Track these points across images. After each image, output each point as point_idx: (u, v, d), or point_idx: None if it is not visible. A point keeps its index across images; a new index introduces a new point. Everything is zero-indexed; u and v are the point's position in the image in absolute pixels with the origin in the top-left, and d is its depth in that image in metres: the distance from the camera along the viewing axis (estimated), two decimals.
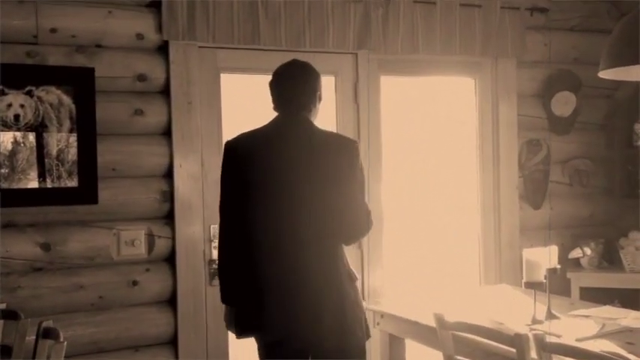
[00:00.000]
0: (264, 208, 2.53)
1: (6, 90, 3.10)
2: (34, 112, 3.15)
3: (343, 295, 2.55)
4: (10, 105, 3.11)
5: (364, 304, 2.73)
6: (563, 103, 4.25)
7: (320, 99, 2.70)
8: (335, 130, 3.77)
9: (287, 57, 3.59)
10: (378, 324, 3.26)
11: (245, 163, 2.57)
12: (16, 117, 3.12)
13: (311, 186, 2.51)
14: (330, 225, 2.53)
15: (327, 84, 3.79)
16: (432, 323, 2.60)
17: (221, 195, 2.63)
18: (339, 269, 2.59)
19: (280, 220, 2.53)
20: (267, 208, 2.53)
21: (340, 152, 2.55)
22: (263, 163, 2.55)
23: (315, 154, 2.53)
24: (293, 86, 2.63)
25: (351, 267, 2.70)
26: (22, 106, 3.13)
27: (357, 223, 2.58)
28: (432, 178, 4.13)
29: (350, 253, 3.75)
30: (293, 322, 2.51)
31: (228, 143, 2.65)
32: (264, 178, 2.54)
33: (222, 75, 3.55)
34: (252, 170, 2.56)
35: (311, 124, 2.62)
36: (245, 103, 3.63)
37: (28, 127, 3.14)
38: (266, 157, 2.55)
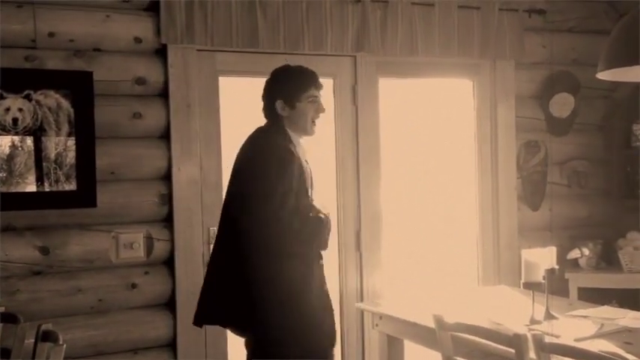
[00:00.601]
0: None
1: (4, 94, 3.11)
2: (33, 116, 3.16)
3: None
4: (8, 109, 3.12)
5: (362, 305, 2.79)
6: (562, 105, 4.26)
7: (291, 105, 2.74)
8: (334, 133, 3.78)
9: (285, 60, 3.63)
10: (376, 325, 3.26)
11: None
12: (15, 121, 3.12)
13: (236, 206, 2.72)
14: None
15: (326, 86, 3.78)
16: (431, 324, 2.60)
17: None
18: None
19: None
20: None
21: (253, 166, 2.71)
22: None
23: (240, 171, 2.77)
24: (263, 94, 2.83)
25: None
26: (20, 110, 3.13)
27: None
28: (431, 179, 4.13)
29: (349, 254, 3.78)
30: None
31: None
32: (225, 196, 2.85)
33: (220, 78, 3.56)
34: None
35: (263, 131, 2.79)
36: (244, 106, 3.63)
37: (27, 131, 3.15)
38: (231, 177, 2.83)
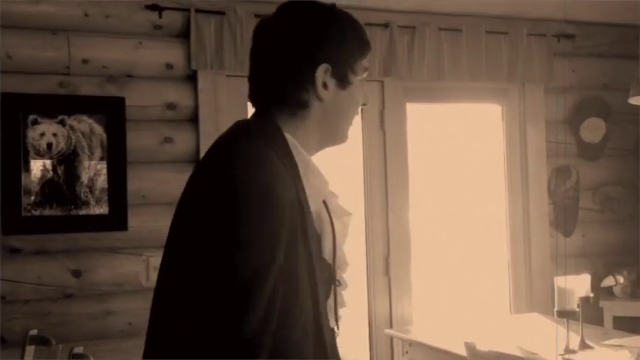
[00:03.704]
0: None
1: (39, 119, 3.16)
2: (67, 141, 3.21)
3: None
4: (43, 134, 3.17)
5: (392, 331, 2.65)
6: (593, 129, 4.22)
7: (343, 82, 1.34)
8: (362, 160, 3.78)
9: None
10: (406, 352, 3.22)
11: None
12: (49, 145, 3.17)
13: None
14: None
15: None
16: (463, 352, 2.57)
17: None
18: None
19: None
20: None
21: (200, 197, 1.27)
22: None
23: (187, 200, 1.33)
24: (260, 54, 1.34)
25: None
26: (54, 134, 3.19)
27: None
28: (460, 205, 4.10)
29: (378, 280, 3.75)
30: None
31: None
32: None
33: (249, 103, 3.58)
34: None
35: (251, 139, 1.28)
36: None
37: (60, 156, 3.20)
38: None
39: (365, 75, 1.39)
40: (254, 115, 1.36)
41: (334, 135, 1.39)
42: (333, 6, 1.37)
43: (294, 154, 1.28)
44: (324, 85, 1.31)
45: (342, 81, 1.33)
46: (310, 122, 1.33)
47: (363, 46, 1.37)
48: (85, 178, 3.23)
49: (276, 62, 1.29)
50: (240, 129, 1.31)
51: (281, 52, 1.29)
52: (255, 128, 1.30)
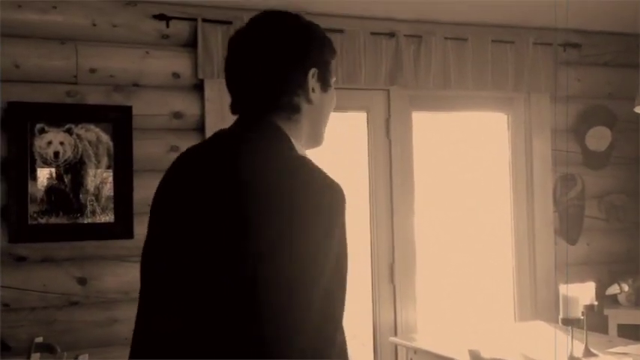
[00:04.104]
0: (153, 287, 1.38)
1: (46, 128, 3.19)
2: (74, 150, 3.23)
3: None
4: (50, 142, 3.20)
5: (396, 339, 2.66)
6: (598, 138, 4.22)
7: (326, 85, 1.41)
8: (367, 168, 3.79)
9: None
10: None
11: (162, 208, 1.44)
12: (56, 154, 3.20)
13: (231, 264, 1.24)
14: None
15: (360, 120, 3.84)
16: (467, 359, 2.57)
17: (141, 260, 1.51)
18: None
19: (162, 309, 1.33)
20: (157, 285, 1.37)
21: (292, 205, 1.23)
22: (177, 210, 1.38)
23: (252, 210, 1.23)
24: (251, 62, 1.35)
25: None
26: (61, 143, 3.21)
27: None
28: (465, 213, 4.11)
29: (382, 287, 3.76)
30: None
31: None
32: (173, 233, 1.39)
33: None
34: (165, 221, 1.43)
35: (277, 147, 1.33)
36: None
37: (67, 164, 3.22)
38: (183, 202, 1.37)
39: (334, 79, 1.45)
40: (249, 121, 1.36)
41: (317, 136, 1.43)
42: (300, 16, 1.42)
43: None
44: (313, 89, 1.37)
45: (325, 84, 1.40)
46: (301, 125, 1.38)
47: (332, 51, 1.44)
48: (91, 186, 3.25)
49: (270, 70, 1.33)
50: (273, 135, 1.33)
51: (273, 61, 1.33)
52: (280, 134, 1.33)
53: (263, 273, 1.18)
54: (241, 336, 1.18)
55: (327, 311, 1.20)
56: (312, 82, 1.37)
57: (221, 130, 1.41)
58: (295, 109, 1.35)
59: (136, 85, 3.36)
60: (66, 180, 3.22)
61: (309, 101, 1.37)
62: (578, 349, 2.75)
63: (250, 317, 1.17)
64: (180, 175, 1.39)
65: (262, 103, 1.35)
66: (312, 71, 1.36)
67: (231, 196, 1.25)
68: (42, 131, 3.19)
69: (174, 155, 3.46)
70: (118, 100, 3.32)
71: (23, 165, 3.15)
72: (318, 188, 1.24)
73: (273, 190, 1.23)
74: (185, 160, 1.41)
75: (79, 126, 3.24)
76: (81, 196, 3.23)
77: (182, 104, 3.43)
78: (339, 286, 1.23)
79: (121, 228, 3.27)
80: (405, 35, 3.73)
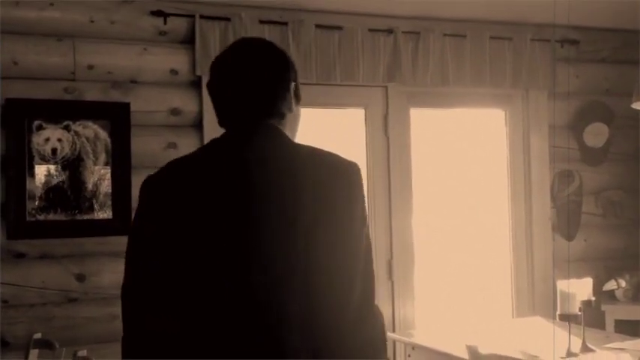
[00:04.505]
0: (219, 281, 1.51)
1: (44, 125, 3.19)
2: (71, 146, 3.23)
3: None
4: (47, 139, 3.20)
5: (394, 335, 2.67)
6: (596, 134, 4.23)
7: (298, 96, 1.68)
8: (365, 165, 3.80)
9: (317, 90, 3.67)
10: (409, 356, 3.23)
11: (189, 211, 1.52)
12: (54, 151, 3.20)
13: (292, 237, 1.49)
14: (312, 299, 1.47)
15: (358, 116, 3.84)
16: (465, 356, 2.58)
17: (133, 260, 1.58)
18: None
19: (242, 295, 1.49)
20: (225, 279, 1.50)
21: (337, 182, 1.54)
22: (209, 208, 1.52)
23: (297, 187, 1.51)
24: (249, 79, 1.59)
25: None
26: (59, 140, 3.21)
27: (341, 309, 1.48)
28: (463, 209, 4.11)
29: (380, 284, 3.76)
30: None
31: (150, 179, 1.60)
32: (222, 232, 1.51)
33: None
34: (201, 222, 1.51)
35: (286, 138, 1.61)
36: None
37: (65, 161, 3.22)
38: (213, 200, 1.52)
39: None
40: (244, 126, 1.59)
41: (293, 139, 1.65)
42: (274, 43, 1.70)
43: None
44: (292, 100, 1.65)
45: (298, 97, 1.68)
46: (287, 126, 1.64)
47: (296, 73, 1.70)
48: (89, 183, 3.25)
49: (266, 85, 1.60)
50: (277, 132, 1.60)
51: (268, 78, 1.60)
52: (281, 132, 1.61)
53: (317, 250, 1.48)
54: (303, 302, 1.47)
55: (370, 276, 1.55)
56: (291, 95, 1.64)
57: (217, 138, 1.60)
58: (282, 117, 1.62)
59: (133, 81, 3.36)
60: (64, 177, 3.22)
61: (290, 110, 1.64)
62: (576, 344, 2.76)
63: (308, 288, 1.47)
64: (209, 177, 1.54)
65: (261, 110, 1.60)
66: (293, 86, 1.64)
67: (293, 182, 1.51)
68: (40, 128, 3.19)
69: (172, 152, 3.49)
70: (115, 96, 3.32)
71: (21, 162, 3.15)
72: (346, 167, 1.56)
73: (319, 172, 1.53)
74: (199, 164, 1.58)
75: (77, 123, 3.24)
76: (80, 192, 3.24)
77: (180, 101, 3.43)
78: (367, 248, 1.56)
79: (120, 224, 3.27)
80: (403, 32, 3.73)
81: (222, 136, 1.61)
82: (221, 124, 1.63)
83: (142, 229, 1.56)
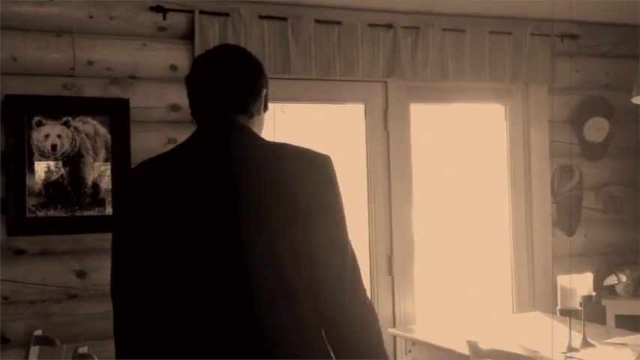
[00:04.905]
0: (202, 272, 1.58)
1: (44, 121, 3.18)
2: (71, 143, 3.23)
3: None
4: (47, 135, 3.19)
5: (395, 330, 2.66)
6: (596, 129, 4.22)
7: (267, 106, 1.80)
8: (365, 160, 3.80)
9: (317, 85, 3.66)
10: (409, 351, 3.23)
11: (167, 204, 1.60)
12: (54, 147, 3.19)
13: (269, 228, 1.58)
14: (298, 285, 1.61)
15: (357, 111, 3.83)
16: (466, 351, 2.58)
17: (118, 258, 1.76)
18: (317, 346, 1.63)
19: (224, 288, 1.56)
20: (206, 271, 1.58)
21: (312, 174, 1.64)
22: (196, 201, 1.59)
23: (273, 181, 1.61)
24: (223, 78, 1.71)
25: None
26: (59, 136, 3.21)
27: (339, 279, 1.63)
28: (464, 205, 4.11)
29: (381, 279, 3.76)
30: None
31: (131, 175, 1.81)
32: (201, 222, 1.58)
33: None
34: (180, 214, 1.59)
35: (256, 134, 1.72)
36: (277, 132, 3.67)
37: (65, 157, 3.22)
38: (200, 193, 1.60)
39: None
40: (216, 122, 1.70)
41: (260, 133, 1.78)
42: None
43: None
44: (261, 105, 1.76)
45: (266, 104, 1.79)
46: (255, 125, 1.75)
47: (267, 81, 1.81)
48: (89, 179, 3.25)
49: (242, 85, 1.72)
50: (249, 130, 1.71)
51: (244, 80, 1.73)
52: (250, 130, 1.72)
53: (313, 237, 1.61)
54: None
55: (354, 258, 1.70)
56: (262, 99, 1.76)
57: (194, 135, 1.70)
58: (251, 116, 1.73)
59: (133, 77, 3.35)
60: (64, 173, 3.22)
61: (258, 113, 1.75)
62: (576, 339, 2.76)
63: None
64: (193, 172, 1.63)
65: (233, 107, 1.71)
66: (264, 92, 1.77)
67: (269, 175, 1.61)
68: (39, 124, 3.18)
69: (171, 147, 3.46)
70: (115, 92, 3.31)
71: (21, 158, 3.14)
72: (321, 160, 1.67)
73: (293, 166, 1.64)
74: (182, 160, 1.66)
75: (77, 119, 3.24)
76: (79, 189, 3.23)
77: (179, 96, 3.41)
78: (346, 233, 1.70)
79: None
80: (402, 27, 3.72)
81: (199, 132, 1.70)
82: (194, 115, 1.74)
83: (126, 225, 1.67)
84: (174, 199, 1.59)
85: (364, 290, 1.68)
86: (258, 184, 1.60)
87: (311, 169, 1.65)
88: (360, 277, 1.68)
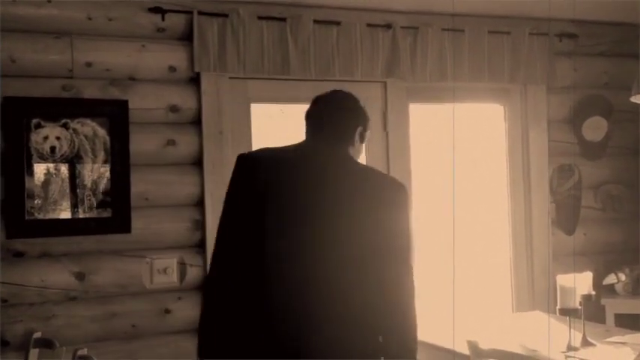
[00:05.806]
0: (287, 244, 2.02)
1: (42, 123, 3.18)
2: (70, 144, 3.22)
3: None
4: (46, 137, 3.19)
5: None
6: (595, 128, 4.22)
7: (362, 138, 2.26)
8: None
9: (316, 86, 3.65)
10: None
11: (270, 182, 2.06)
12: (52, 149, 3.19)
13: (348, 227, 2.01)
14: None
15: None
16: (466, 350, 2.58)
17: (226, 218, 2.11)
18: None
19: (303, 263, 2.00)
20: (292, 245, 2.01)
21: (390, 198, 2.08)
22: (292, 186, 2.05)
23: (358, 192, 2.05)
24: (332, 112, 2.22)
25: None
26: (58, 138, 3.20)
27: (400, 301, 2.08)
28: (463, 205, 4.11)
29: None
30: None
31: (245, 155, 2.20)
32: (292, 206, 2.04)
33: (252, 105, 3.60)
34: (277, 193, 2.04)
35: (351, 157, 2.20)
36: (276, 132, 3.67)
37: (64, 159, 3.22)
38: (297, 181, 2.06)
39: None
40: (322, 140, 2.20)
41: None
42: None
43: None
44: (358, 138, 2.24)
45: (363, 138, 2.27)
46: (351, 153, 2.21)
47: (368, 121, 2.31)
48: (88, 181, 3.25)
49: (348, 122, 2.23)
50: (345, 151, 2.22)
51: (349, 118, 2.24)
52: (349, 155, 2.21)
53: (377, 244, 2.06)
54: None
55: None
56: (357, 134, 2.24)
57: (305, 141, 2.20)
58: (351, 144, 2.22)
59: (132, 78, 3.35)
60: (63, 175, 3.21)
61: (353, 144, 2.23)
62: (576, 338, 2.76)
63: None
64: (304, 165, 2.12)
65: (339, 138, 2.20)
66: (359, 129, 2.25)
67: (354, 186, 2.08)
68: (38, 126, 3.18)
69: (171, 149, 3.48)
70: (114, 94, 3.31)
71: (20, 160, 3.14)
72: (398, 186, 2.12)
73: (377, 186, 2.10)
74: (293, 153, 2.15)
75: (76, 120, 3.23)
76: (78, 190, 3.23)
77: (178, 98, 3.42)
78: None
79: (119, 222, 3.27)
80: (401, 27, 3.72)
81: (308, 141, 2.21)
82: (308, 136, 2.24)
83: (234, 197, 2.11)
84: (272, 185, 2.05)
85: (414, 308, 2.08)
86: (348, 193, 2.05)
87: (392, 195, 2.09)
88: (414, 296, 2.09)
